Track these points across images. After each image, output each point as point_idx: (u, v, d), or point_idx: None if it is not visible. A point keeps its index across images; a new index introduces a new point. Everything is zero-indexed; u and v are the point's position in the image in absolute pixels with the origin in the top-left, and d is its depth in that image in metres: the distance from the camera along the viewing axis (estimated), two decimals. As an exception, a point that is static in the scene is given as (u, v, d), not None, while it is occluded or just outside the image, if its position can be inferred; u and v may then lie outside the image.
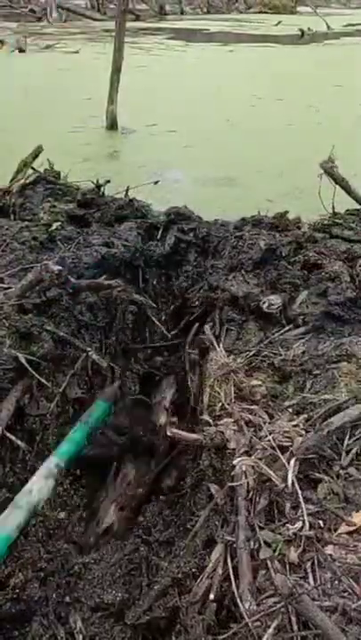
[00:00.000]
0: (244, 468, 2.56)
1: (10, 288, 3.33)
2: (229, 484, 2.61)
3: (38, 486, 2.77)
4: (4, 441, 2.80)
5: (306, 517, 2.36)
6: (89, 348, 3.29)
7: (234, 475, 2.60)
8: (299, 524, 2.36)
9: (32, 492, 2.74)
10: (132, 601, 2.59)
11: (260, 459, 2.63)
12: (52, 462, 2.89)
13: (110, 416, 3.33)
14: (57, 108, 9.33)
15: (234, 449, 2.76)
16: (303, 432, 2.72)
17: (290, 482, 2.47)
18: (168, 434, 2.97)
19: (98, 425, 3.23)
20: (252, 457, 2.63)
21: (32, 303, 3.20)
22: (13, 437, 2.80)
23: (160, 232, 4.48)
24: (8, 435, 2.76)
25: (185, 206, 4.89)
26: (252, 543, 2.39)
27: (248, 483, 2.54)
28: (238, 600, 2.24)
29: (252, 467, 2.59)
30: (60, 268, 3.07)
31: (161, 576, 2.62)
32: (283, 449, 2.65)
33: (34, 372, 2.91)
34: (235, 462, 2.60)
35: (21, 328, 3.03)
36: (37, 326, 3.07)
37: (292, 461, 2.55)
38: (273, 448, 2.66)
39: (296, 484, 2.47)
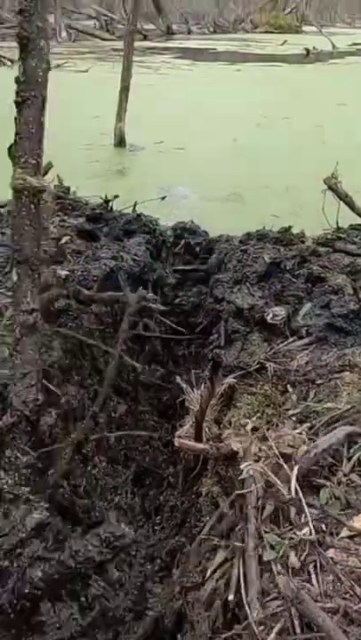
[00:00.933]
0: (251, 473, 2.61)
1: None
2: (237, 492, 2.66)
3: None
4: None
5: (311, 523, 2.41)
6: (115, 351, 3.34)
7: (243, 480, 2.65)
8: (305, 530, 2.41)
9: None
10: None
11: (265, 466, 2.69)
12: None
13: None
14: (66, 125, 9.48)
15: (239, 457, 2.82)
16: (306, 440, 2.79)
17: (293, 489, 2.53)
18: (175, 444, 3.04)
19: None
20: (260, 462, 2.69)
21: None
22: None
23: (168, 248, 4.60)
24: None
25: (191, 221, 5.00)
26: (259, 549, 2.44)
27: (257, 490, 2.59)
28: (247, 607, 2.27)
29: (260, 473, 2.64)
30: (67, 272, 3.18)
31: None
32: (286, 457, 2.71)
33: (46, 382, 2.98)
34: (242, 467, 2.65)
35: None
36: (47, 335, 3.16)
37: (296, 469, 2.60)
38: (277, 456, 2.72)
39: (300, 491, 2.52)
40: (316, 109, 11.58)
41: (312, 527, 2.40)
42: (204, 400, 2.81)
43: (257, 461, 2.72)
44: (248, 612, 2.26)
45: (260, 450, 2.81)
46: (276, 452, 2.74)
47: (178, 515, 3.35)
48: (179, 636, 2.51)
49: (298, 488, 2.53)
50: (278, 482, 2.58)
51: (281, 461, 2.68)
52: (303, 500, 2.49)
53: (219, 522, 2.81)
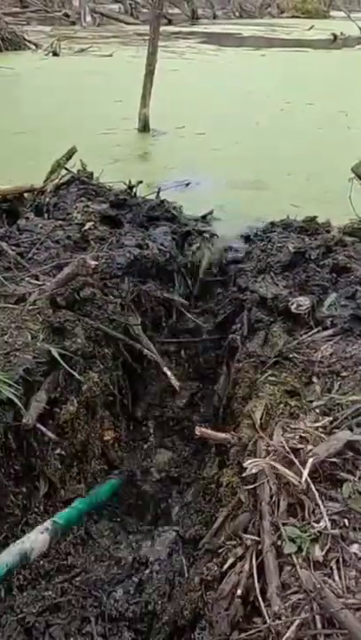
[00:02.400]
0: (254, 470, 2.58)
1: (44, 285, 3.41)
2: (247, 488, 2.63)
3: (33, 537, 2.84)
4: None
5: (326, 517, 2.37)
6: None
7: (256, 475, 2.62)
8: (322, 524, 2.37)
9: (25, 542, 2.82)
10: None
11: (274, 459, 2.64)
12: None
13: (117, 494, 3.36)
14: (90, 110, 9.44)
15: (255, 449, 2.79)
16: (327, 433, 2.75)
17: (303, 481, 2.49)
18: (197, 433, 3.01)
19: (103, 499, 3.29)
20: (268, 458, 2.65)
21: (65, 299, 3.28)
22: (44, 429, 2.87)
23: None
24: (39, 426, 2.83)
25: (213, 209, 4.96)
26: (278, 541, 2.41)
27: (270, 486, 2.55)
28: (262, 604, 2.25)
29: (272, 468, 2.61)
30: (96, 262, 3.17)
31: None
32: (304, 449, 2.67)
33: (65, 366, 2.97)
34: (245, 464, 2.62)
35: (55, 323, 3.11)
36: (70, 321, 3.15)
37: (310, 462, 2.56)
38: (295, 449, 2.68)
39: (313, 485, 2.48)
40: (341, 95, 11.39)
41: (334, 521, 2.37)
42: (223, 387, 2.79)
43: (269, 453, 2.68)
44: (265, 609, 2.24)
45: (277, 442, 2.77)
46: (295, 442, 2.71)
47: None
48: (196, 632, 2.49)
49: (309, 481, 2.49)
50: (291, 474, 2.53)
51: (299, 452, 2.64)
52: (316, 494, 2.45)
53: (238, 513, 2.79)
